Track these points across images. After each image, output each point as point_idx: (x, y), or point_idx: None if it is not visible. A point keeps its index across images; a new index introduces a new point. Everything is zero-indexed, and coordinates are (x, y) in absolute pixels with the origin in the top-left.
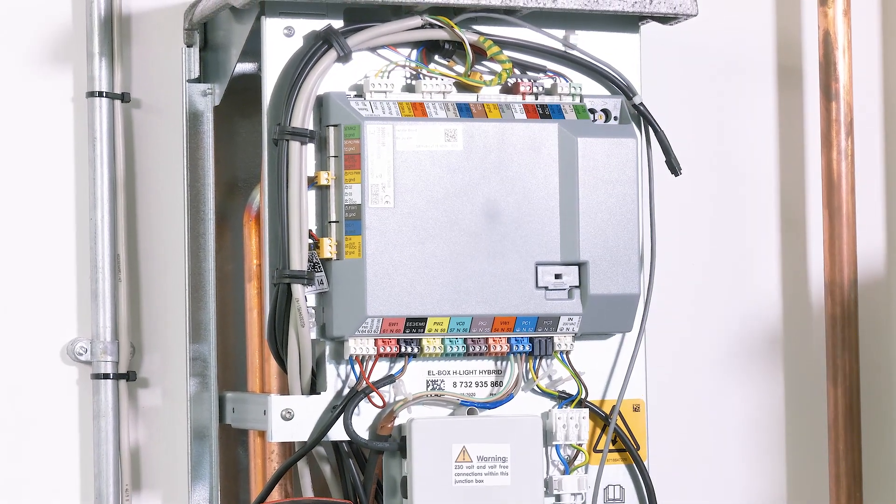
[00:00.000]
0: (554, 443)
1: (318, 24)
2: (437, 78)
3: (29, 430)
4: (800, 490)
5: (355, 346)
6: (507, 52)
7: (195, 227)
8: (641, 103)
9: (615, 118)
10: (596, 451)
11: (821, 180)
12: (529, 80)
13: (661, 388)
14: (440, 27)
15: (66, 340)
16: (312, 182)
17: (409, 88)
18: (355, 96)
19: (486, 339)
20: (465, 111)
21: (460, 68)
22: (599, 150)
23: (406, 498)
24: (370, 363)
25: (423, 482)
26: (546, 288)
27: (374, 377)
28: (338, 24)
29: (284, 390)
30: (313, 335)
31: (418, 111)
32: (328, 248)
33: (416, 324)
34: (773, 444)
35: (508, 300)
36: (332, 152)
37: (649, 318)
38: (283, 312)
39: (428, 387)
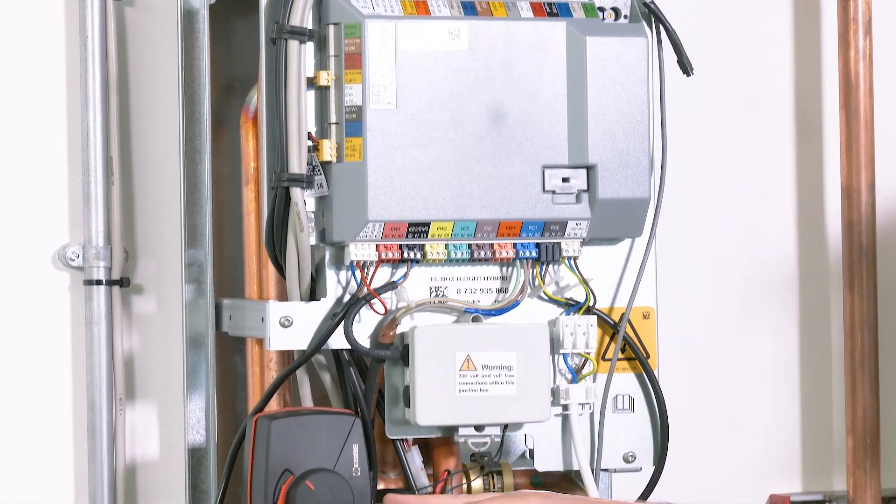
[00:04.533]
0: (561, 351)
1: None
2: None
3: (19, 338)
4: (814, 398)
5: (356, 251)
6: None
7: (190, 129)
8: (652, 1)
9: (625, 17)
10: (604, 360)
11: (837, 81)
12: None
13: (671, 294)
14: None
15: (58, 245)
16: (311, 82)
17: None
18: None
19: (492, 244)
20: (469, 9)
21: None
22: (609, 49)
23: (408, 407)
24: (371, 269)
25: (425, 391)
26: (553, 192)
27: (376, 283)
28: None
29: (283, 297)
30: (313, 240)
31: (421, 9)
32: (328, 151)
33: (418, 229)
34: (788, 351)
35: (514, 204)
36: (331, 52)
37: (659, 224)
38: (281, 217)
39: (431, 293)
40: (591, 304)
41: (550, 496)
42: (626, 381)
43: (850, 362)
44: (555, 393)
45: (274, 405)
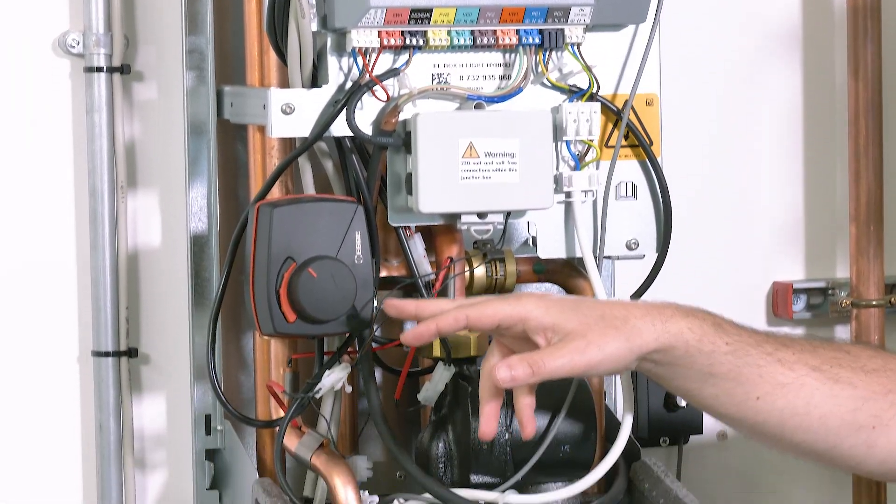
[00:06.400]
0: (564, 138)
1: None
2: None
3: (20, 125)
4: (818, 185)
5: (358, 37)
6: None
7: None
8: None
9: None
10: (607, 147)
11: None
12: None
13: (675, 82)
14: None
15: (58, 32)
16: None
17: None
18: None
19: (494, 30)
20: None
21: None
22: None
23: (411, 194)
24: (373, 55)
25: (428, 178)
26: None
27: (378, 70)
28: None
29: (284, 83)
30: (314, 27)
31: None
32: None
33: (421, 15)
34: (792, 137)
35: None
36: None
37: (664, 9)
38: (282, 3)
39: (433, 80)
40: (594, 90)
41: (545, 296)
42: (629, 169)
43: (853, 148)
44: (558, 180)
45: (276, 193)
